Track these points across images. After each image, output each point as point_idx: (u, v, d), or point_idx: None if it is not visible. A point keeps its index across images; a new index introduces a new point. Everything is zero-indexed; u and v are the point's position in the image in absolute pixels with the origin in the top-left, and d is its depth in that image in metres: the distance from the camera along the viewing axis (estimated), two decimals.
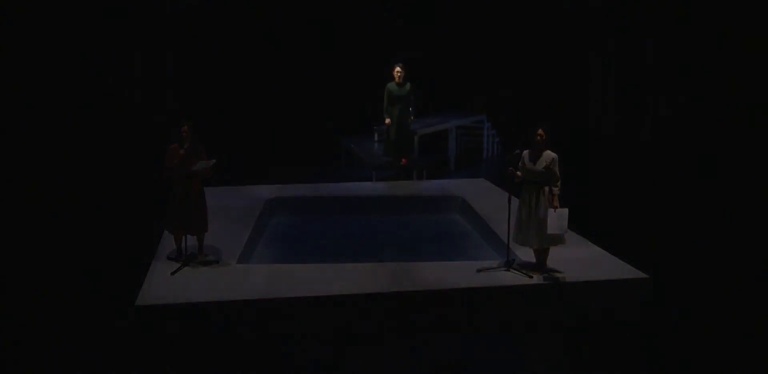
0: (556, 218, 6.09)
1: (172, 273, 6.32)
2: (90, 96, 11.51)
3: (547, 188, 6.21)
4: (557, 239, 6.26)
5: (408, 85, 10.36)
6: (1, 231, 8.08)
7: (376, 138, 12.06)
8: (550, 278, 6.29)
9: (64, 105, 11.21)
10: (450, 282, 6.28)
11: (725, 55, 10.04)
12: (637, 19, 11.43)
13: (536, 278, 6.25)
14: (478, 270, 6.40)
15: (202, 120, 11.35)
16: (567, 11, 12.57)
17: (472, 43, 13.42)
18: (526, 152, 6.32)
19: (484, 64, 13.34)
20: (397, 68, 10.27)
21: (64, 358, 5.41)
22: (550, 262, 6.44)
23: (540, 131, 6.21)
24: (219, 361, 5.46)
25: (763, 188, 9.06)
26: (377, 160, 11.02)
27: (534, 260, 6.49)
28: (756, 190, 9.10)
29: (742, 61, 9.85)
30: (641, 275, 6.39)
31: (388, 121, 10.41)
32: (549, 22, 12.80)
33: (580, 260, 6.70)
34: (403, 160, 10.66)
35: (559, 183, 6.20)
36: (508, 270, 6.40)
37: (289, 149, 12.53)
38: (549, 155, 6.21)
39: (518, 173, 6.34)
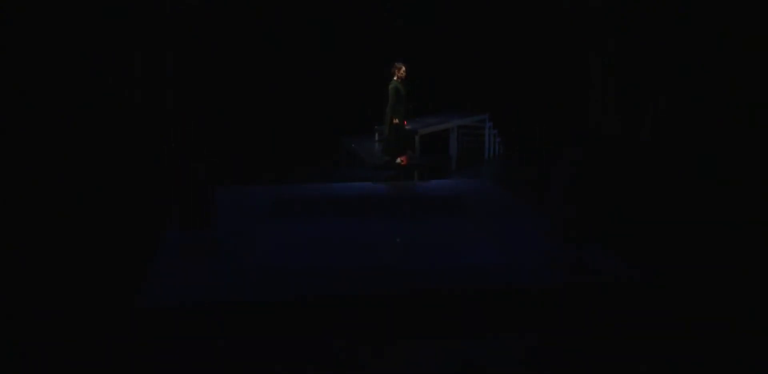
0: None
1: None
2: (90, 96, 11.51)
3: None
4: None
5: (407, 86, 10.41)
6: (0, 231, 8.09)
7: (376, 138, 12.07)
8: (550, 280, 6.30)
9: (64, 105, 11.20)
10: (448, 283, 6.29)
11: (725, 55, 10.04)
12: (637, 19, 11.43)
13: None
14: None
15: (202, 120, 11.38)
16: (567, 11, 12.57)
17: (472, 43, 13.42)
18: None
19: (484, 64, 13.34)
20: (403, 68, 10.31)
21: (63, 359, 5.41)
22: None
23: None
24: (219, 362, 5.46)
25: (763, 188, 9.05)
26: (377, 160, 11.02)
27: None
28: (756, 190, 9.10)
29: (742, 61, 9.84)
30: (641, 275, 6.40)
31: (396, 120, 10.38)
32: (549, 22, 12.79)
33: (579, 260, 6.71)
34: (404, 160, 10.67)
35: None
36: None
37: (289, 149, 12.52)
38: None
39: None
